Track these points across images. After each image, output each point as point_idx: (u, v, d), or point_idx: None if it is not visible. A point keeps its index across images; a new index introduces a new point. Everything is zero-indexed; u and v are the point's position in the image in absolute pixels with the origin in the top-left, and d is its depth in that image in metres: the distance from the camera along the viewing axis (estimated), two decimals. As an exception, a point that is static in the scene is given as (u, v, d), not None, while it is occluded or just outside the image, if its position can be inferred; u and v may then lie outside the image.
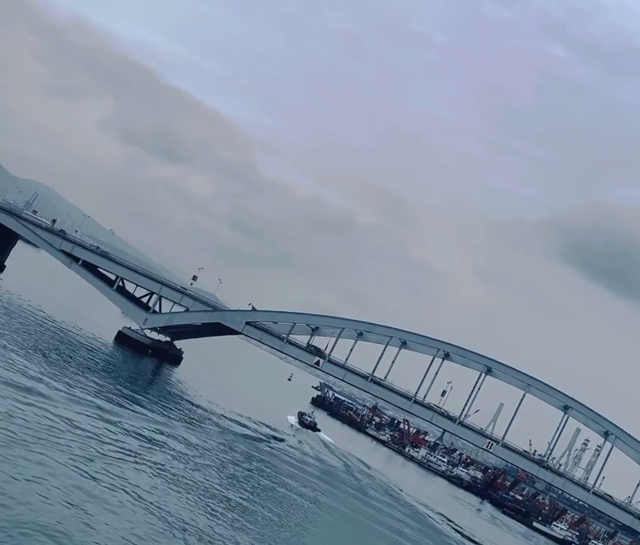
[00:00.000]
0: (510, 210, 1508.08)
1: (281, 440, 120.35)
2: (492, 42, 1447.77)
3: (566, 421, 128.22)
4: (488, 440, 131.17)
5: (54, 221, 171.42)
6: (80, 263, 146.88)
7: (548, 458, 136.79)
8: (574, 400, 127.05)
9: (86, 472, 50.68)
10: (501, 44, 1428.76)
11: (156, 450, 67.09)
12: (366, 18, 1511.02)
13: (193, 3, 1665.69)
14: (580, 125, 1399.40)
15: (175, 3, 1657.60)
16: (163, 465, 62.93)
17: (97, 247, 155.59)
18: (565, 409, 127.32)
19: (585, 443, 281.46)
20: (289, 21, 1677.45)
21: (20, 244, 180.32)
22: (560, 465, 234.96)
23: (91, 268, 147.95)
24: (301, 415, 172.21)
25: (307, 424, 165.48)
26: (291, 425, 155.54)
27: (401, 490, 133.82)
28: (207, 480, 65.17)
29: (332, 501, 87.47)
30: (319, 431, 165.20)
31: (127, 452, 60.81)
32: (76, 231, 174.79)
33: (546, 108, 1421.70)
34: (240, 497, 65.27)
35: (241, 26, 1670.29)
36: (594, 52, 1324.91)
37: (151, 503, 51.38)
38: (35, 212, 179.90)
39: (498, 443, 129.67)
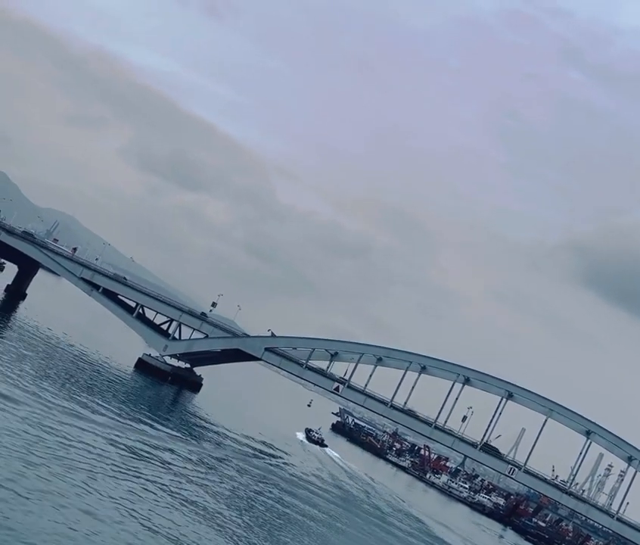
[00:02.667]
0: (527, 233, 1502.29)
1: (292, 455, 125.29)
2: (507, 67, 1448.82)
3: (588, 446, 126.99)
4: (510, 466, 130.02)
5: (74, 249, 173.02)
6: (100, 290, 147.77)
7: (571, 483, 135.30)
8: (596, 424, 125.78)
9: (119, 487, 53.65)
10: (517, 69, 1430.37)
11: (175, 474, 67.51)
12: (380, 44, 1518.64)
13: (209, 32, 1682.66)
14: (597, 147, 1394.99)
15: (191, 32, 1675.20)
16: (182, 488, 63.35)
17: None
18: (587, 434, 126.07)
19: (608, 469, 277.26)
20: (304, 47, 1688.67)
21: (40, 272, 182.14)
22: (583, 490, 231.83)
23: (111, 295, 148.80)
24: (308, 431, 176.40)
25: (315, 440, 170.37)
26: (301, 441, 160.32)
27: (403, 500, 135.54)
28: (224, 494, 65.56)
29: (339, 510, 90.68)
30: (326, 446, 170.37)
31: (143, 474, 61.28)
32: (97, 259, 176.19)
33: (563, 132, 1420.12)
34: (252, 508, 65.77)
35: (258, 53, 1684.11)
36: (611, 76, 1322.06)
37: (172, 522, 51.98)
38: (56, 240, 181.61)
39: (521, 469, 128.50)
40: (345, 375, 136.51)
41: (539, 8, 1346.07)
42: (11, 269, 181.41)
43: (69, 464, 54.05)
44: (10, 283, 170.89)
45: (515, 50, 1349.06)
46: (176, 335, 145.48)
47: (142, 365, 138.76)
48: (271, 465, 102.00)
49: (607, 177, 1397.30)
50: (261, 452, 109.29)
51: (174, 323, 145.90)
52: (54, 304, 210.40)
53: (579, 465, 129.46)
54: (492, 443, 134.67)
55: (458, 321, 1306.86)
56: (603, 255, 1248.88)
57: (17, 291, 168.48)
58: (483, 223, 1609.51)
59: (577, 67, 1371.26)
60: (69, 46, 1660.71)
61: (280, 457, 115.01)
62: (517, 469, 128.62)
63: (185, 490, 64.05)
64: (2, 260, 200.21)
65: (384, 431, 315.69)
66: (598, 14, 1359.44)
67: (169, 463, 71.36)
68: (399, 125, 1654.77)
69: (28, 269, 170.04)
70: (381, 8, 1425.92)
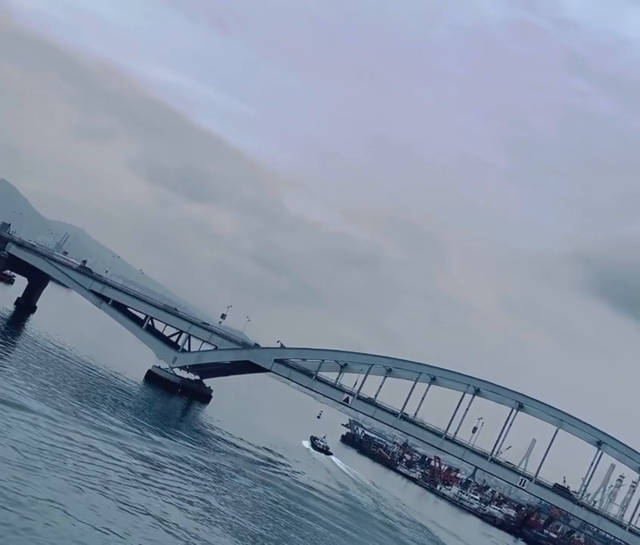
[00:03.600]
0: (535, 242, 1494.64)
1: (298, 462, 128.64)
2: (513, 76, 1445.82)
3: (600, 457, 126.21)
4: (521, 477, 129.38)
5: (84, 262, 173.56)
6: (110, 302, 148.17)
7: (582, 495, 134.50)
8: (608, 435, 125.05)
9: (128, 496, 54.54)
10: (524, 79, 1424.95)
11: (186, 482, 67.95)
12: (387, 55, 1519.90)
13: (218, 44, 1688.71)
14: (604, 157, 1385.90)
15: (199, 45, 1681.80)
16: (193, 496, 63.74)
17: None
18: (599, 444, 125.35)
19: (620, 479, 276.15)
20: (310, 58, 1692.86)
21: (50, 284, 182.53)
22: (594, 501, 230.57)
23: (121, 308, 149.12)
24: (313, 439, 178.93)
25: (320, 448, 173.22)
26: (307, 449, 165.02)
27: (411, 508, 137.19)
28: (232, 500, 65.78)
29: (346, 516, 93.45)
30: (331, 454, 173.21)
31: (156, 484, 61.58)
32: (106, 271, 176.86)
33: (570, 141, 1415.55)
34: (260, 514, 66.25)
35: (264, 65, 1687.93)
36: (617, 85, 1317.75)
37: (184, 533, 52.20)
38: (65, 253, 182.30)
39: (532, 480, 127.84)
40: (354, 386, 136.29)
41: (545, 18, 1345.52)
42: (21, 282, 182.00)
43: (80, 472, 55.00)
44: (20, 296, 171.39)
45: (521, 59, 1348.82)
46: (186, 347, 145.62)
47: (152, 377, 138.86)
48: (277, 472, 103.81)
49: (613, 186, 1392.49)
50: (269, 460, 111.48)
51: (183, 335, 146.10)
52: (63, 317, 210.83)
53: (591, 476, 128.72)
54: (502, 455, 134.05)
55: (467, 331, 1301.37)
56: (611, 264, 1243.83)
57: (27, 304, 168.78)
58: (491, 232, 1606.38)
59: (583, 76, 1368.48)
60: (78, 59, 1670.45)
61: (287, 465, 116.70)
62: (528, 480, 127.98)
63: (193, 496, 64.73)
64: (12, 273, 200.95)
65: (394, 443, 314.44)
66: (604, 23, 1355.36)
67: (178, 472, 71.83)
68: (406, 135, 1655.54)
69: (38, 281, 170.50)
70: (388, 20, 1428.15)
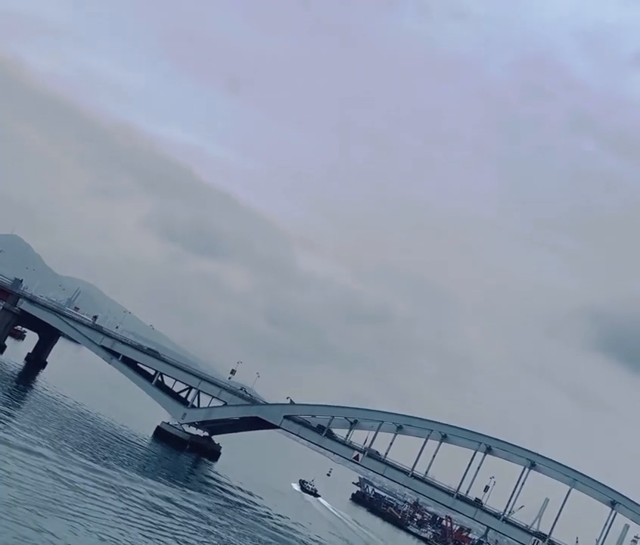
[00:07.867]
0: (545, 300, 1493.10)
1: (291, 504, 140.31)
2: (522, 138, 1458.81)
3: (614, 517, 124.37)
4: (534, 538, 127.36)
5: (95, 317, 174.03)
6: (120, 358, 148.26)
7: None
8: (621, 495, 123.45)
9: None
10: (532, 140, 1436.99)
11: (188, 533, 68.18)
12: (395, 119, 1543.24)
13: (229, 105, 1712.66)
14: (613, 215, 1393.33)
15: (212, 106, 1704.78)
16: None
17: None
18: (612, 504, 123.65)
19: (634, 541, 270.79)
20: (322, 119, 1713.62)
21: (61, 340, 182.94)
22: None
23: (130, 363, 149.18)
24: (302, 482, 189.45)
25: (309, 491, 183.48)
26: (298, 492, 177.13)
27: None
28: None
29: None
30: (319, 496, 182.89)
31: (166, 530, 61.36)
32: (117, 327, 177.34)
33: (578, 200, 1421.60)
34: None
35: (276, 127, 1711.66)
36: (624, 144, 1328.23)
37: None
38: (77, 309, 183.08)
39: (545, 540, 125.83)
40: (365, 443, 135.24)
41: (552, 80, 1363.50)
42: (32, 338, 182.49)
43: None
44: (30, 351, 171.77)
45: (530, 121, 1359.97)
46: (195, 403, 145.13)
47: (160, 434, 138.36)
48: (269, 513, 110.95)
49: (622, 243, 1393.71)
50: (263, 503, 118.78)
51: (193, 391, 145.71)
52: (73, 372, 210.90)
53: (605, 537, 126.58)
54: (515, 515, 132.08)
55: (478, 388, 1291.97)
56: (620, 320, 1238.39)
57: (37, 360, 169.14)
58: (501, 289, 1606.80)
59: (591, 136, 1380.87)
60: (93, 120, 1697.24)
61: (279, 506, 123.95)
62: (540, 541, 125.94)
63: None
64: (23, 329, 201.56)
65: (405, 501, 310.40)
66: (611, 84, 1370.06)
67: (182, 519, 72.85)
68: (416, 194, 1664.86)
69: (48, 337, 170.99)
70: (398, 81, 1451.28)
